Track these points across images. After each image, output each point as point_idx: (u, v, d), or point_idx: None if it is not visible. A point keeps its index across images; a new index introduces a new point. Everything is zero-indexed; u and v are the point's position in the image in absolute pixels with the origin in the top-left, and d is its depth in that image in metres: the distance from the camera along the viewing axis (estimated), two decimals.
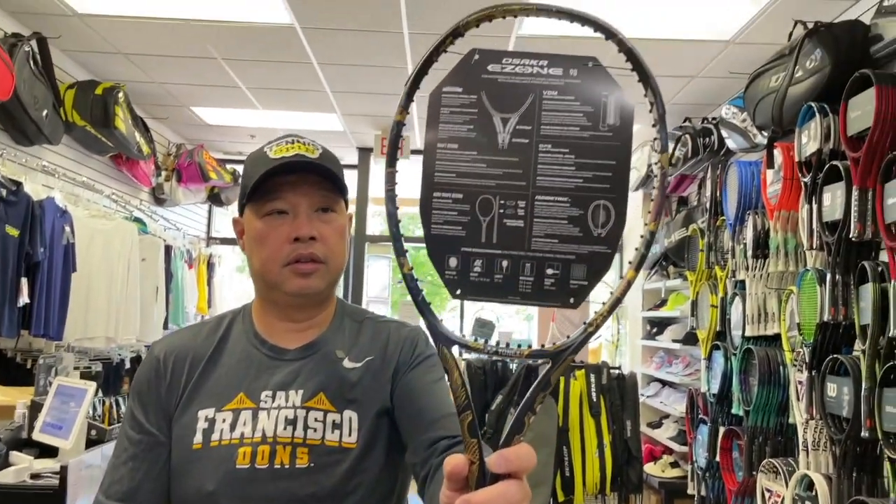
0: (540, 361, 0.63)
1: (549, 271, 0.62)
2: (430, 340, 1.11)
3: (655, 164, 0.63)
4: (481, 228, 0.62)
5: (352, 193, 6.50)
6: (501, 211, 0.62)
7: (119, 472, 1.09)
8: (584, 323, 0.62)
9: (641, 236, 0.62)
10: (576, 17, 0.61)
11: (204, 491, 1.03)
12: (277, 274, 1.09)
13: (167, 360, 1.14)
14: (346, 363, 1.13)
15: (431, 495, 0.96)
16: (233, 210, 7.55)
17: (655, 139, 0.63)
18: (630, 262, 0.63)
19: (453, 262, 0.63)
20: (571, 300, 0.62)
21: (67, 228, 3.59)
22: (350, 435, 1.07)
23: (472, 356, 5.90)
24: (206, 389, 1.11)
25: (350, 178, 6.48)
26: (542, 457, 3.71)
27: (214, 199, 6.08)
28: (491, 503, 0.57)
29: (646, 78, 0.62)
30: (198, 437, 1.07)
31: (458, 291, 0.63)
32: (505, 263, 0.62)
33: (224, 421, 1.07)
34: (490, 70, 0.63)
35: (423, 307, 0.63)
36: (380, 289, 9.07)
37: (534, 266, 0.62)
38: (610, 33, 0.60)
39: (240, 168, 6.01)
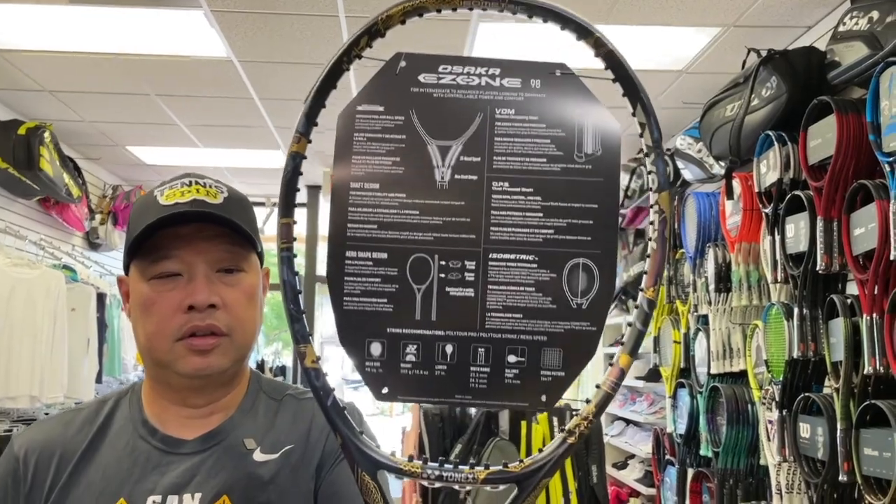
0: (501, 487, 0.45)
1: (512, 358, 0.46)
2: (364, 418, 0.93)
3: (651, 206, 0.46)
4: (415, 300, 0.46)
5: (301, 229, 6.32)
6: (443, 275, 0.46)
7: None
8: (563, 430, 0.45)
9: (636, 306, 0.45)
10: (536, 9, 0.44)
11: None
12: (168, 351, 0.88)
13: (28, 458, 0.91)
14: (258, 455, 0.92)
15: None
16: None
17: (650, 173, 0.46)
18: (622, 344, 0.46)
19: (376, 349, 0.47)
20: (543, 398, 0.45)
21: None
22: None
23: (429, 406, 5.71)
24: (76, 495, 0.89)
25: (299, 217, 6.34)
26: None
27: None
28: None
29: (633, 90, 0.45)
30: None
31: (385, 390, 0.46)
32: (449, 349, 0.46)
33: None
34: (422, 81, 0.45)
35: (334, 416, 0.45)
36: (332, 329, 8.82)
37: (490, 351, 0.46)
38: (584, 31, 0.44)
39: None
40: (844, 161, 2.26)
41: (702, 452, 3.29)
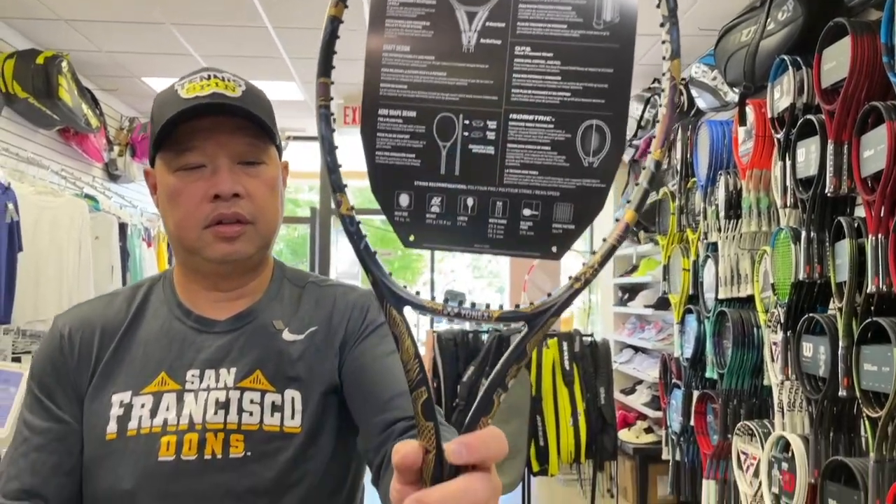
0: (513, 326, 0.51)
1: (527, 212, 0.49)
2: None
3: (664, 74, 0.51)
4: (440, 156, 0.49)
5: (315, 166, 6.35)
6: (466, 134, 0.49)
7: (17, 467, 0.92)
8: (570, 277, 0.50)
9: (644, 168, 0.51)
10: None
11: (119, 489, 0.89)
12: (196, 238, 0.93)
13: (73, 335, 0.97)
14: (286, 335, 0.98)
15: (386, 487, 0.83)
16: None
17: (664, 42, 0.50)
18: (628, 201, 0.51)
19: (404, 200, 0.50)
20: (554, 248, 0.49)
21: (11, 206, 3.39)
22: (293, 418, 0.93)
23: (443, 327, 5.81)
24: (120, 370, 0.95)
25: (313, 150, 6.34)
26: (516, 427, 3.64)
27: None
28: None
29: None
30: (111, 426, 0.92)
31: (412, 238, 0.50)
32: (470, 202, 0.49)
33: (143, 406, 0.92)
34: None
35: (366, 257, 0.51)
36: (349, 264, 8.92)
37: (507, 205, 0.49)
38: None
39: None
40: (857, 83, 2.27)
41: (707, 375, 3.38)
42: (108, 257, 4.20)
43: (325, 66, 0.51)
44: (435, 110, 0.49)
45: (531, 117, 0.49)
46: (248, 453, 0.90)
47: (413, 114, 0.49)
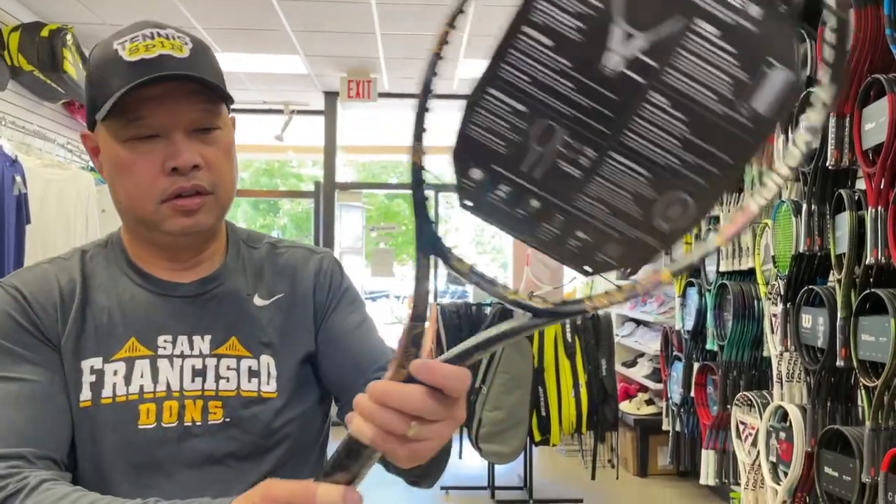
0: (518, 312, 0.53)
1: (581, 234, 0.49)
2: (344, 269, 1.03)
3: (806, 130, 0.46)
4: (527, 155, 0.48)
5: (319, 140, 6.36)
6: (562, 149, 0.47)
7: (7, 418, 0.82)
8: (588, 298, 0.51)
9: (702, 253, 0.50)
10: None
11: (97, 458, 0.86)
12: (153, 212, 0.87)
13: (30, 297, 0.89)
14: (257, 300, 0.96)
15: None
16: None
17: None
18: (670, 261, 0.51)
19: (476, 174, 0.50)
20: (587, 268, 0.51)
21: (18, 178, 3.42)
22: (269, 383, 0.92)
23: (447, 300, 5.85)
24: (86, 336, 0.89)
25: (317, 125, 6.35)
26: (518, 398, 3.70)
27: None
28: (405, 401, 0.55)
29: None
30: (85, 393, 0.87)
31: (469, 203, 0.51)
32: (536, 204, 0.49)
33: (115, 373, 0.88)
34: None
35: (420, 204, 0.52)
36: (353, 239, 8.95)
37: (567, 222, 0.49)
38: None
39: None
40: (860, 55, 2.27)
41: (708, 347, 3.42)
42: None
43: (453, 16, 0.49)
44: (543, 114, 0.47)
45: (630, 164, 0.47)
46: (227, 419, 0.89)
47: (521, 108, 0.47)
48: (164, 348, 0.91)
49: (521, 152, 0.48)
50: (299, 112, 6.29)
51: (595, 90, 0.46)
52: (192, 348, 0.91)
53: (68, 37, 3.91)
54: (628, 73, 0.45)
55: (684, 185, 0.47)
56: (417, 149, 0.52)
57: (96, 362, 0.89)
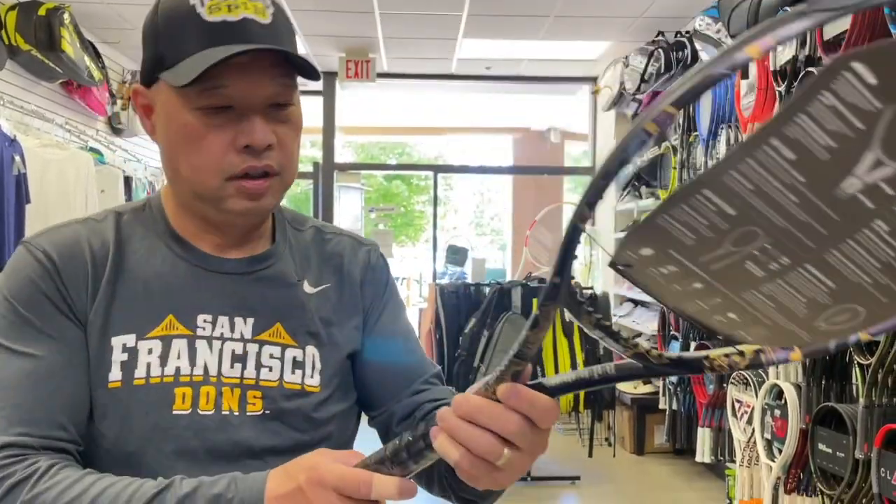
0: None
1: (732, 315, 0.48)
2: (388, 263, 1.00)
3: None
4: (714, 251, 0.45)
5: (317, 121, 6.35)
6: (755, 252, 0.44)
7: (15, 399, 0.76)
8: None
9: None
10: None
11: (127, 443, 0.79)
12: (217, 188, 0.80)
13: (57, 260, 0.81)
14: (306, 287, 0.90)
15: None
16: None
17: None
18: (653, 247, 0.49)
19: (646, 252, 0.47)
20: (720, 337, 0.51)
21: (17, 158, 3.42)
22: (313, 376, 0.86)
23: (445, 280, 5.86)
24: (118, 308, 0.82)
25: (314, 106, 6.33)
26: None
27: None
28: (501, 421, 0.55)
29: None
30: (115, 373, 0.80)
31: (622, 267, 0.48)
32: (698, 286, 0.47)
33: (150, 352, 0.81)
34: None
35: (568, 260, 0.50)
36: (352, 220, 8.97)
37: (724, 305, 0.48)
38: None
39: None
40: (859, 35, 2.28)
41: None
42: None
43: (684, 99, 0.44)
44: (752, 221, 0.43)
45: (821, 276, 0.44)
46: (267, 411, 0.83)
47: (731, 211, 0.43)
48: (204, 328, 0.83)
49: (708, 247, 0.45)
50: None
51: (820, 208, 0.42)
52: (232, 331, 0.84)
53: (65, 16, 3.89)
54: (862, 197, 0.41)
55: (865, 301, 0.45)
56: (584, 213, 0.47)
57: (129, 339, 0.81)
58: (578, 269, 6.18)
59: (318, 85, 6.10)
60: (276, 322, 0.86)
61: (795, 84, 2.60)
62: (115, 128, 5.16)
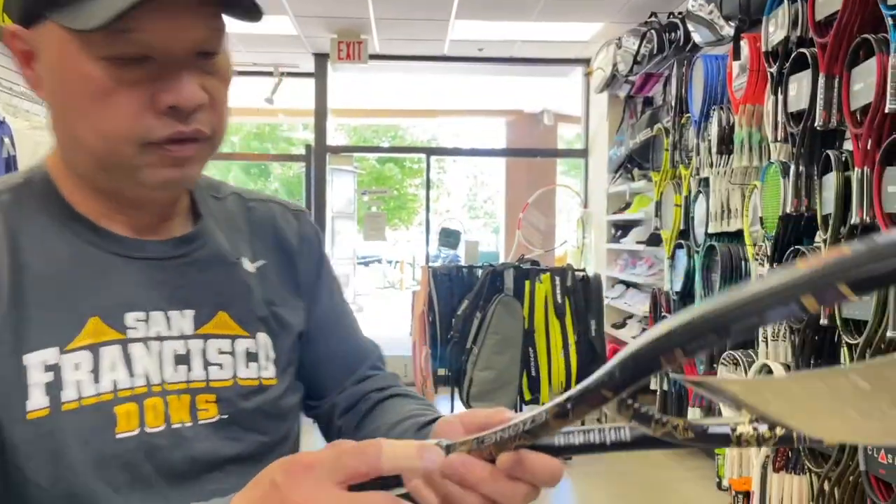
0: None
1: None
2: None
3: None
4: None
5: (309, 103, 6.32)
6: None
7: None
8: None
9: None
10: None
11: (65, 485, 0.62)
12: (133, 156, 0.64)
13: None
14: (247, 266, 0.78)
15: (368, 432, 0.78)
16: None
17: None
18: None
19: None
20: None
21: (7, 140, 3.40)
22: (268, 367, 0.75)
23: (438, 263, 5.87)
24: (27, 317, 0.64)
25: (307, 87, 6.29)
26: (508, 358, 3.75)
27: None
28: (502, 494, 0.49)
29: None
30: (36, 399, 0.62)
31: None
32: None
33: (78, 367, 0.65)
34: None
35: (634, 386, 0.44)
36: (345, 202, 8.96)
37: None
38: None
39: None
40: (850, 16, 2.27)
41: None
42: None
43: None
44: None
45: None
46: (224, 416, 0.71)
47: None
48: (136, 328, 0.68)
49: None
50: (289, 74, 6.24)
51: None
52: (170, 327, 0.70)
53: None
54: None
55: None
56: (671, 356, 0.41)
57: (49, 355, 0.64)
58: (571, 253, 6.20)
59: (310, 66, 6.07)
60: (218, 311, 0.74)
61: (787, 65, 2.60)
62: None
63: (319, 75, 6.08)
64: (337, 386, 0.84)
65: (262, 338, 0.76)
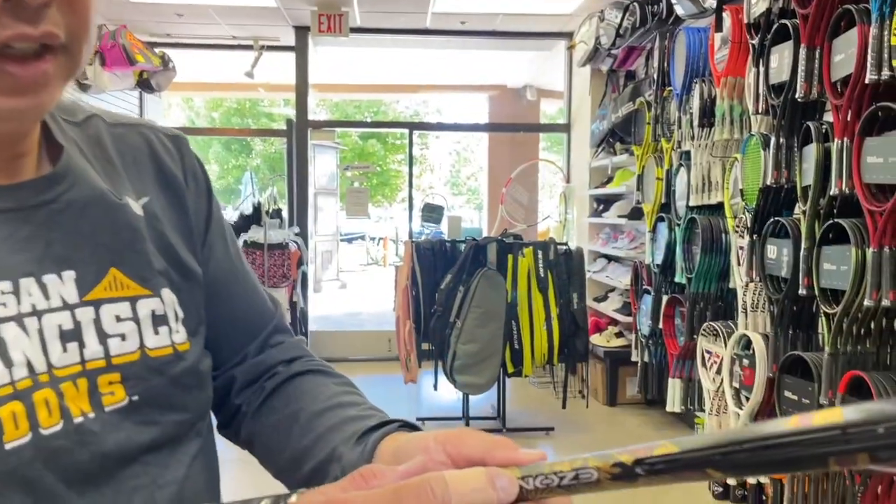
0: None
1: None
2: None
3: None
4: None
5: (290, 78, 6.24)
6: None
7: None
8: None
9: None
10: None
11: None
12: None
13: None
14: (134, 207, 0.61)
15: (269, 427, 0.67)
16: (166, 97, 7.16)
17: None
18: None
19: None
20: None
21: None
22: (178, 330, 0.61)
23: (422, 238, 5.86)
24: None
25: (287, 61, 6.21)
26: (492, 331, 3.77)
27: (144, 84, 5.74)
28: None
29: None
30: None
31: None
32: None
33: None
34: None
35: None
36: (328, 178, 8.91)
37: None
38: None
39: (169, 52, 5.66)
40: None
41: (676, 280, 3.50)
42: None
43: None
44: None
45: None
46: (134, 397, 0.57)
47: None
48: (5, 304, 0.52)
49: None
50: (269, 48, 6.15)
51: None
52: (47, 297, 0.54)
53: None
54: None
55: None
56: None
57: None
58: (553, 227, 6.22)
59: (290, 40, 5.98)
60: (108, 267, 0.58)
61: (768, 36, 2.60)
62: (82, 84, 5.04)
63: (300, 49, 6.00)
64: (235, 355, 0.71)
65: (168, 295, 0.61)
